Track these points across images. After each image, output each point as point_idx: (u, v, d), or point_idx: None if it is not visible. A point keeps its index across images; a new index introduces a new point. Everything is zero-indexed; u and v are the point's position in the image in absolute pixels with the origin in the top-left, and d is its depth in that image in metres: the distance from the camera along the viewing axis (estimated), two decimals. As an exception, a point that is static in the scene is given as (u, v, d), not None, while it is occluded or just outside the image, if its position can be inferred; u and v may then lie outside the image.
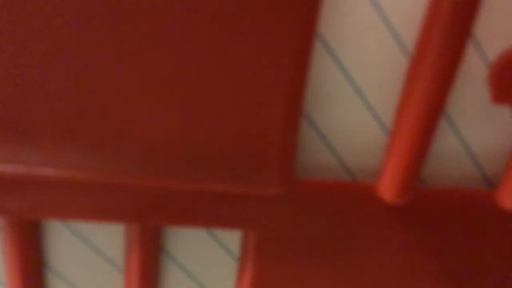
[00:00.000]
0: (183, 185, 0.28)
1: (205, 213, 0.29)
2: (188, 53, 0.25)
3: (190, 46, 0.25)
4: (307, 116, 0.29)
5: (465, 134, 0.29)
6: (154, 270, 0.33)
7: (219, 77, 0.25)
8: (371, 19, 0.26)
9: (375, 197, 0.30)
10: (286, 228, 0.30)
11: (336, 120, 0.29)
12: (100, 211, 0.29)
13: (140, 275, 0.32)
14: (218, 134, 0.27)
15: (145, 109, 0.26)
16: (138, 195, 0.29)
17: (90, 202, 0.29)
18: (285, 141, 0.27)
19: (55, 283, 0.34)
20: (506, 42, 0.27)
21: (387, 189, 0.29)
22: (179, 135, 0.27)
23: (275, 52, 0.25)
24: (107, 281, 0.34)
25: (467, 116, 0.29)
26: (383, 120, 0.29)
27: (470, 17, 0.24)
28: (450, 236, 0.31)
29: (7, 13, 0.24)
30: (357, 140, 0.29)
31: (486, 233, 0.31)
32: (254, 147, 0.27)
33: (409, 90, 0.26)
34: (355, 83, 0.28)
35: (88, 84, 0.26)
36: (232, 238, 0.32)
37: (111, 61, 0.25)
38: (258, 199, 0.29)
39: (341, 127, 0.29)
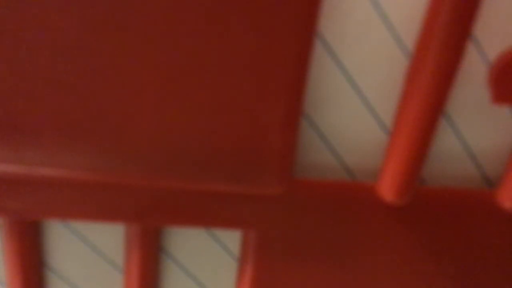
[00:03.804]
0: (183, 185, 0.28)
1: (205, 213, 0.29)
2: (188, 53, 0.25)
3: (190, 47, 0.25)
4: (307, 116, 0.29)
5: (465, 134, 0.29)
6: (154, 270, 0.33)
7: (219, 77, 0.25)
8: (371, 19, 0.26)
9: (375, 197, 0.30)
10: (286, 228, 0.30)
11: (336, 120, 0.29)
12: (100, 211, 0.29)
13: (140, 275, 0.32)
14: (218, 134, 0.27)
15: (145, 110, 0.26)
16: (138, 195, 0.29)
17: (90, 202, 0.29)
18: (285, 141, 0.27)
19: (55, 283, 0.34)
20: (506, 42, 0.27)
21: (387, 189, 0.29)
22: (179, 135, 0.27)
23: (275, 52, 0.25)
24: (107, 281, 0.34)
25: (467, 116, 0.29)
26: (383, 120, 0.29)
27: (470, 17, 0.24)
28: (450, 236, 0.31)
29: (7, 13, 0.24)
30: (357, 140, 0.29)
31: (486, 233, 0.31)
32: (254, 147, 0.27)
33: (409, 90, 0.26)
34: (355, 83, 0.28)
35: (88, 85, 0.26)
36: (232, 238, 0.32)
37: (111, 61, 0.25)
38: (258, 199, 0.29)
39: (341, 127, 0.29)
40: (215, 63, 0.25)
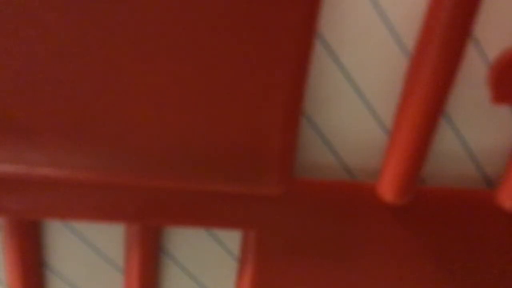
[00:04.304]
0: (183, 185, 0.28)
1: (205, 213, 0.29)
2: (189, 54, 0.25)
3: (191, 47, 0.25)
4: (307, 116, 0.29)
5: (465, 134, 0.29)
6: (154, 270, 0.33)
7: (219, 77, 0.26)
8: (371, 19, 0.26)
9: (375, 197, 0.30)
10: (286, 228, 0.30)
11: (336, 120, 0.29)
12: (100, 211, 0.29)
13: (140, 275, 0.32)
14: (218, 134, 0.27)
15: (145, 109, 0.26)
16: (138, 195, 0.29)
17: (90, 202, 0.29)
18: (285, 141, 0.27)
19: (55, 283, 0.34)
20: (506, 42, 0.27)
21: (387, 189, 0.29)
22: (179, 135, 0.27)
23: (275, 52, 0.25)
24: (107, 281, 0.34)
25: (467, 116, 0.29)
26: (383, 120, 0.29)
27: (470, 17, 0.24)
28: (450, 236, 0.31)
29: (7, 13, 0.24)
30: (357, 140, 0.29)
31: (486, 233, 0.31)
32: (254, 147, 0.27)
33: (409, 90, 0.26)
34: (355, 83, 0.28)
35: (89, 85, 0.26)
36: (232, 238, 0.32)
37: (111, 61, 0.25)
38: (258, 199, 0.29)
39: (341, 127, 0.29)
40: (215, 63, 0.25)
